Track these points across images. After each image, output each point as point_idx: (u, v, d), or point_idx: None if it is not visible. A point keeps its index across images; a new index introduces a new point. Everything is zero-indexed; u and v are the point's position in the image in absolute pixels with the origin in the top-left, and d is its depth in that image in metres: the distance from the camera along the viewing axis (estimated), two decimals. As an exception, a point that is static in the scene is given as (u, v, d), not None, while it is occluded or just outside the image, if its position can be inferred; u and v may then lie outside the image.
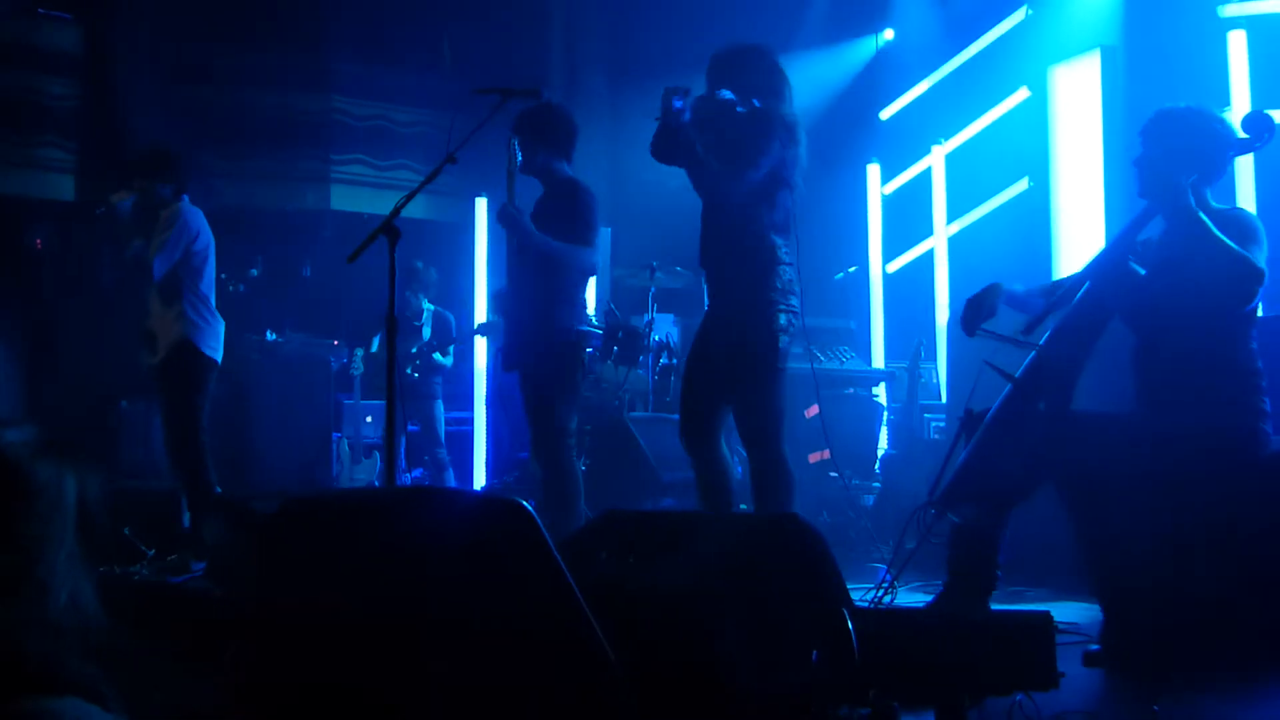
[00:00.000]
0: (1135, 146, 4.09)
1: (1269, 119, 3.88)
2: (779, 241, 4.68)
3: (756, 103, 4.65)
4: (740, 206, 4.63)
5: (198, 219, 6.00)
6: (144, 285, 6.00)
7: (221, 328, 6.02)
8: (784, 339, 4.64)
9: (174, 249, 5.86)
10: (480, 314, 9.44)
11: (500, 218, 5.30)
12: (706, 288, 4.88)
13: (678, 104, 4.54)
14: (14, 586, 1.51)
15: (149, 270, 5.87)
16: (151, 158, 6.12)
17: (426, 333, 9.15)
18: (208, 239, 6.01)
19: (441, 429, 9.26)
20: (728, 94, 4.61)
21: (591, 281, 5.82)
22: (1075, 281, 4.10)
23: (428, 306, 9.21)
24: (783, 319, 4.64)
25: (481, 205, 9.63)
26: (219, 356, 5.98)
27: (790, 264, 4.71)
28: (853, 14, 10.02)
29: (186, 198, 6.04)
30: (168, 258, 5.84)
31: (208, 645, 3.46)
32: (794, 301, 4.71)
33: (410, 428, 9.11)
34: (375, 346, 9.29)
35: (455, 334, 9.36)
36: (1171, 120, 3.99)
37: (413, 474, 9.09)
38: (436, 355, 9.15)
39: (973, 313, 4.19)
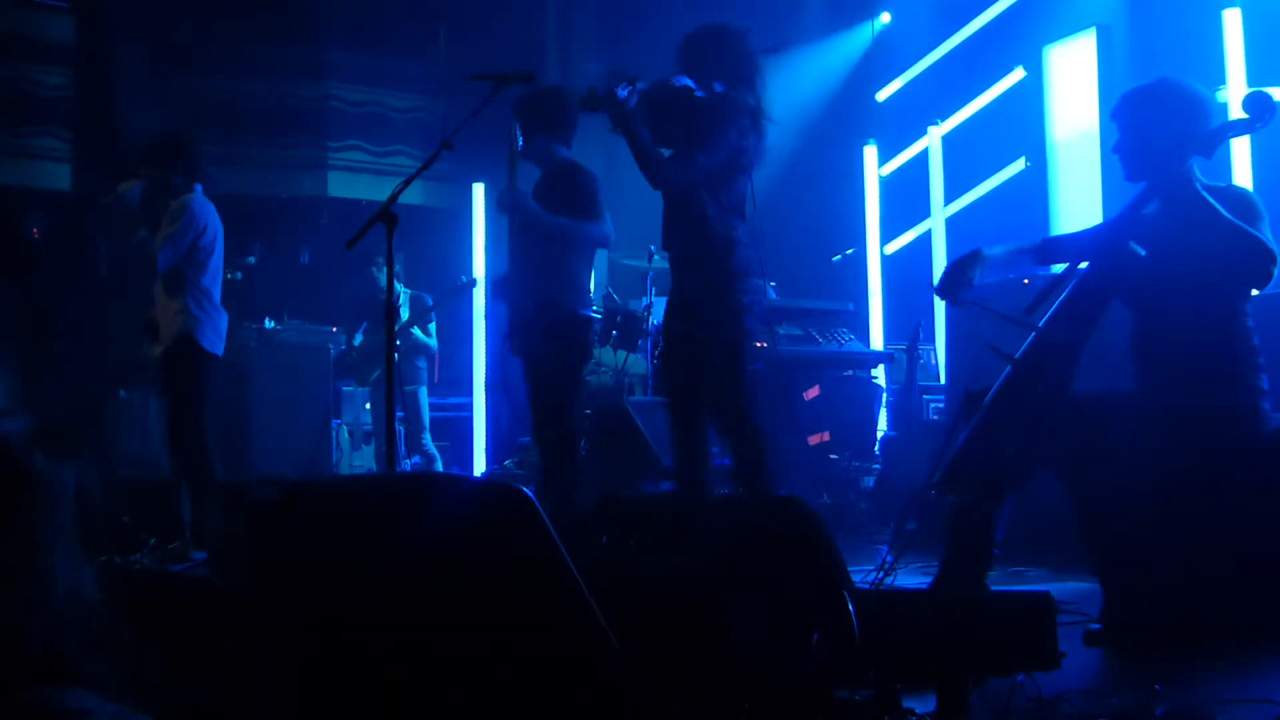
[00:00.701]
0: (1112, 133, 4.07)
1: (1269, 98, 3.84)
2: (735, 224, 4.63)
3: (719, 87, 4.59)
4: (695, 191, 4.59)
5: (207, 211, 5.94)
6: (148, 275, 5.98)
7: (224, 321, 5.99)
8: (748, 319, 4.61)
9: (180, 242, 5.81)
10: (480, 299, 9.43)
11: (501, 204, 5.30)
12: (670, 272, 4.86)
13: (622, 94, 4.42)
14: (14, 577, 1.51)
15: (153, 261, 5.84)
16: (163, 145, 6.02)
17: (405, 313, 9.13)
18: (215, 232, 5.95)
19: (426, 416, 9.22)
20: (685, 80, 4.56)
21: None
22: (1074, 261, 4.08)
23: (402, 290, 9.18)
24: (745, 300, 4.60)
25: (478, 191, 9.61)
26: (220, 350, 5.95)
27: (747, 244, 4.65)
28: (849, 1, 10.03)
29: (199, 188, 5.98)
30: (173, 250, 5.80)
31: (209, 634, 3.46)
32: (755, 283, 4.66)
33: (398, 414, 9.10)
34: (359, 339, 9.28)
35: (432, 314, 9.31)
36: (1141, 99, 3.96)
37: (412, 460, 9.10)
38: (417, 331, 9.10)
39: (954, 280, 4.12)
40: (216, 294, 5.96)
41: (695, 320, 4.67)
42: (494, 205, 5.58)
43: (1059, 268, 4.19)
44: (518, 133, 5.32)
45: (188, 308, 5.84)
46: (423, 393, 9.23)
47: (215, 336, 5.93)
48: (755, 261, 4.66)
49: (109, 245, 9.29)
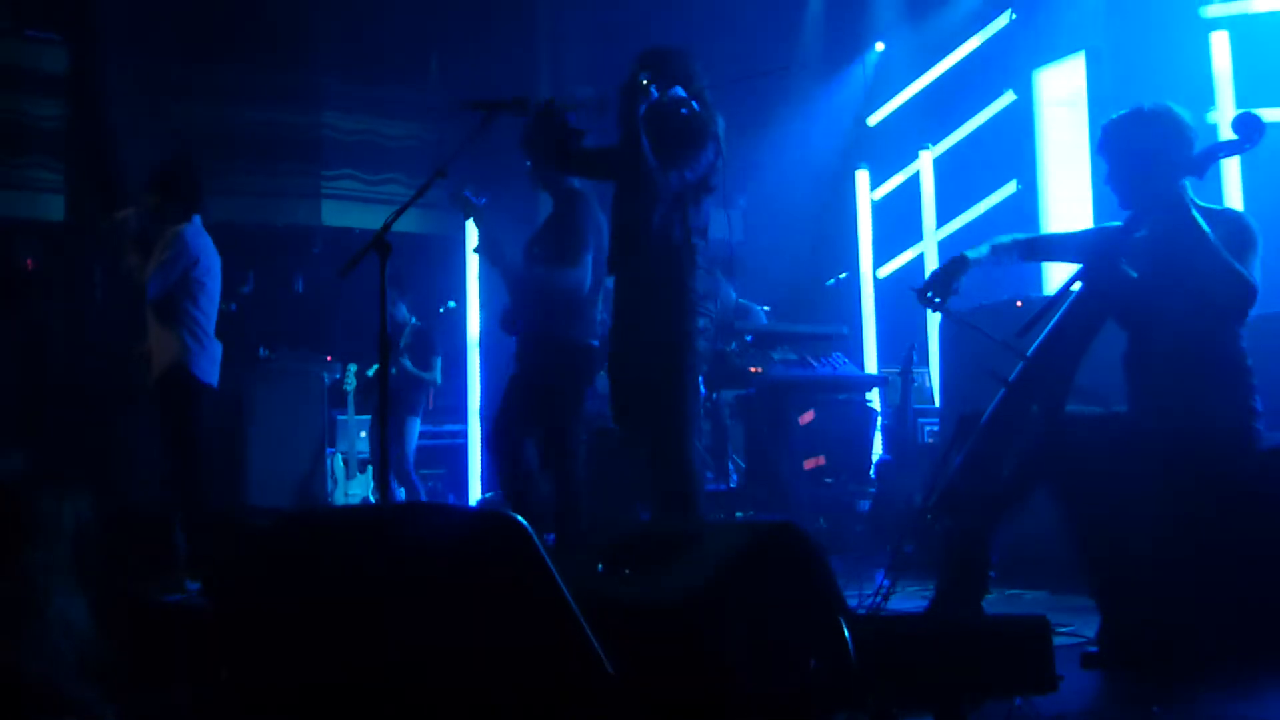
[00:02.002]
0: (1101, 166, 4.09)
1: (1258, 119, 3.86)
2: (698, 245, 4.56)
3: (696, 106, 4.56)
4: (667, 208, 4.50)
5: (201, 242, 5.94)
6: (140, 303, 5.98)
7: (218, 351, 5.99)
8: (703, 342, 4.54)
9: (170, 271, 5.82)
10: (473, 327, 9.42)
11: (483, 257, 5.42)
12: (616, 292, 4.75)
13: (656, 94, 4.41)
14: (14, 614, 1.51)
15: (144, 289, 5.85)
16: (164, 174, 6.04)
17: (401, 344, 9.11)
18: (210, 263, 5.96)
19: (411, 446, 9.08)
20: (680, 91, 4.53)
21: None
22: (1054, 259, 4.09)
23: (410, 319, 9.15)
24: (702, 322, 4.53)
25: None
26: (214, 381, 5.95)
27: (705, 268, 4.59)
28: (843, 29, 10.07)
29: (198, 219, 5.99)
30: (163, 280, 5.81)
31: (203, 663, 3.45)
32: (711, 306, 4.60)
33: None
34: (373, 371, 9.24)
35: (437, 348, 9.27)
36: (1119, 128, 3.99)
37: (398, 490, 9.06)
38: (407, 362, 9.03)
39: (939, 286, 4.13)
40: (211, 324, 5.96)
41: (643, 339, 4.58)
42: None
43: (1051, 291, 4.20)
44: (471, 197, 5.38)
45: (182, 338, 5.84)
46: (412, 423, 9.12)
47: (209, 366, 5.93)
48: (713, 285, 4.62)
49: (104, 273, 9.29)
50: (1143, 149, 3.90)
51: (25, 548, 1.55)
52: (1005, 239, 4.28)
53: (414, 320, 9.20)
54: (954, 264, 4.15)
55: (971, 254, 4.18)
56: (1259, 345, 3.96)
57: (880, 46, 10.10)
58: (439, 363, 9.30)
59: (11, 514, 1.55)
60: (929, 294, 4.14)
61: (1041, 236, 4.42)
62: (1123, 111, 4.02)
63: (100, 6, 9.93)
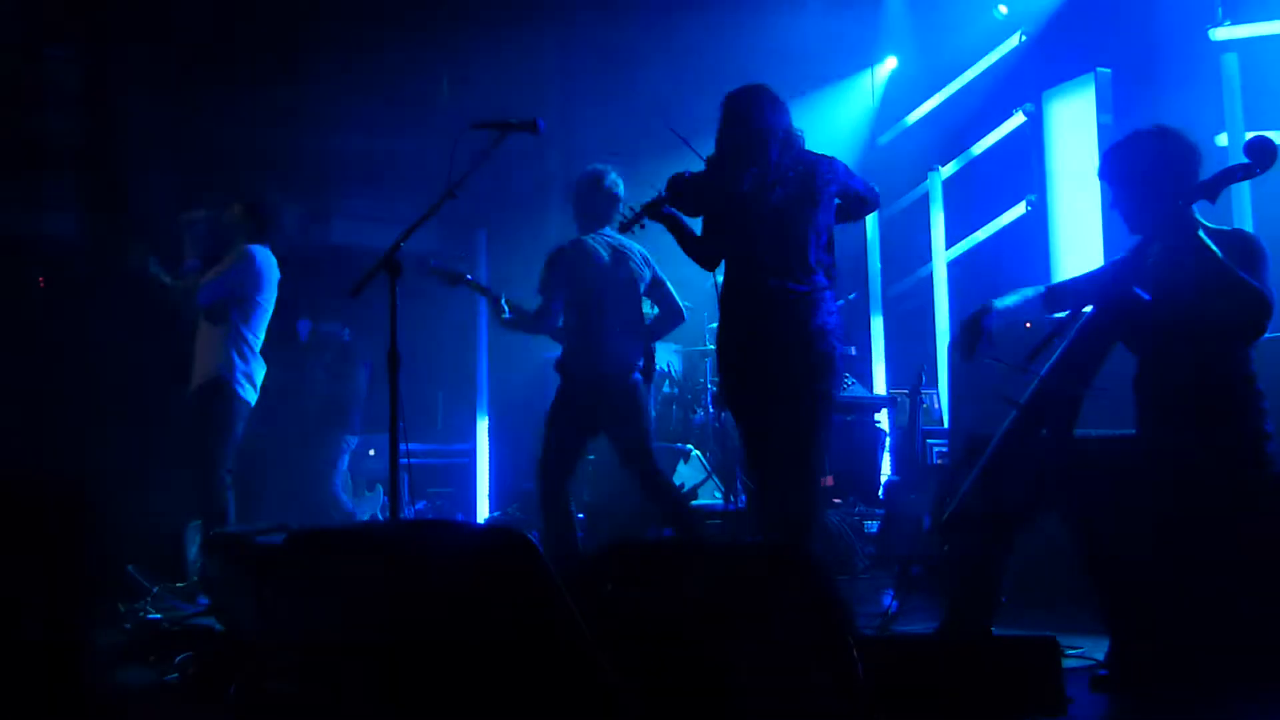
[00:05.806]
0: (1107, 191, 4.10)
1: (1271, 143, 3.86)
2: (828, 263, 4.59)
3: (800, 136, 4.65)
4: (803, 230, 4.51)
5: (269, 265, 6.13)
6: (191, 307, 6.07)
7: (261, 371, 6.07)
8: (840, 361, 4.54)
9: (227, 283, 5.98)
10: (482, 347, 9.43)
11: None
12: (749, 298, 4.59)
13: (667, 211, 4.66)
14: (79, 614, 1.53)
15: (193, 293, 5.99)
16: (254, 195, 6.35)
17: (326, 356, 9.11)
18: (271, 286, 6.14)
19: (340, 465, 8.86)
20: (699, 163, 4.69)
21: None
22: (1076, 306, 4.09)
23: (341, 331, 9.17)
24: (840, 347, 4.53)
25: (481, 238, 9.65)
26: (253, 399, 6.01)
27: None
28: (853, 48, 10.09)
29: (268, 246, 6.20)
30: (215, 290, 5.96)
31: (213, 679, 3.47)
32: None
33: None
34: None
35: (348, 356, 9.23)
36: (1120, 155, 4.00)
37: (416, 507, 9.04)
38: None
39: (968, 338, 4.15)
40: (258, 344, 6.06)
41: (793, 359, 4.47)
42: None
43: (1061, 314, 4.20)
44: (437, 264, 6.04)
45: (228, 351, 5.92)
46: (341, 438, 8.94)
47: (250, 384, 5.99)
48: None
49: (118, 291, 9.32)
50: (1144, 172, 3.91)
51: (87, 552, 1.57)
52: (1029, 291, 4.28)
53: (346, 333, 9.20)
54: (979, 314, 4.15)
55: (998, 302, 4.18)
56: (1269, 368, 3.96)
57: (894, 62, 10.08)
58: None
59: (84, 520, 1.58)
60: (963, 346, 4.15)
61: (1060, 285, 4.38)
62: (1122, 138, 4.03)
63: (116, 25, 10.00)
